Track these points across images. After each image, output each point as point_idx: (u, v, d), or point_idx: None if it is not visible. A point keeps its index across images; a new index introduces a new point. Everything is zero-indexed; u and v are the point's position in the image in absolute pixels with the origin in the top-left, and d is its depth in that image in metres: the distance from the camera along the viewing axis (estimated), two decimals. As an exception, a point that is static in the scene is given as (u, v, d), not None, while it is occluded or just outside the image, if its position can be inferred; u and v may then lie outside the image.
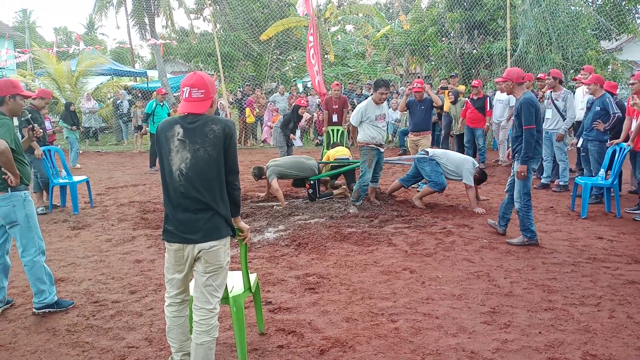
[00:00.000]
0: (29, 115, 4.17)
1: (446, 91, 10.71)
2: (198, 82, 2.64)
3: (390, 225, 5.94)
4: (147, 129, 10.82)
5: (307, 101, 12.90)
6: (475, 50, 14.62)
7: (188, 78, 2.68)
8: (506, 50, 12.23)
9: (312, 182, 7.13)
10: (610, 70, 13.37)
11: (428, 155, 6.78)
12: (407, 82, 15.96)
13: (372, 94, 6.60)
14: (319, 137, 13.44)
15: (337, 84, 9.99)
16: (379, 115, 6.51)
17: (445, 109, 10.85)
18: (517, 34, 12.95)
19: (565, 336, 3.29)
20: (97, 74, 18.41)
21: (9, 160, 3.57)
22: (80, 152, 13.33)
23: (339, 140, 9.63)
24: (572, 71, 12.74)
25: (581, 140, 7.15)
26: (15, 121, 6.02)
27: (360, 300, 3.92)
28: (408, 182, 7.13)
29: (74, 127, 11.49)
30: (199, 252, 2.63)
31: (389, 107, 13.53)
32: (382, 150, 6.66)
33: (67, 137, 11.73)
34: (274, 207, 6.85)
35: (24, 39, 26.58)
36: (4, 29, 29.25)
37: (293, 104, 9.40)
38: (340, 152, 7.80)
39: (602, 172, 6.43)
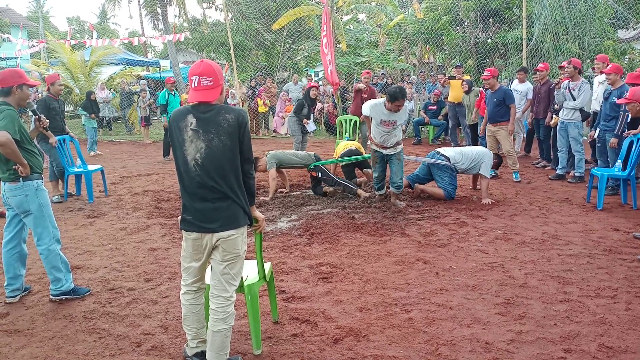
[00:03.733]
0: (35, 106, 4.19)
1: (459, 81, 10.60)
2: (206, 69, 2.62)
3: (404, 216, 5.92)
4: (167, 121, 10.86)
5: (318, 85, 12.69)
6: (490, 39, 14.44)
7: (195, 67, 2.65)
8: (521, 40, 12.05)
9: (312, 166, 6.86)
10: (627, 60, 13.15)
11: (450, 162, 6.49)
12: (421, 72, 15.83)
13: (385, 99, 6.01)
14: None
15: (368, 72, 9.82)
16: (384, 121, 5.98)
17: (458, 99, 10.77)
18: (533, 22, 12.74)
19: (581, 328, 3.27)
20: (110, 63, 18.51)
21: (13, 152, 3.60)
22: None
23: (351, 130, 9.57)
24: (588, 61, 12.53)
25: (598, 130, 7.04)
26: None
27: (374, 290, 3.92)
28: (417, 182, 6.85)
29: (93, 115, 11.71)
30: (217, 240, 2.65)
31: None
32: (385, 152, 6.15)
33: (84, 125, 11.99)
34: (262, 198, 6.77)
35: (37, 28, 26.73)
36: (18, 19, 29.48)
37: (305, 88, 9.33)
38: (350, 145, 7.79)
39: (618, 163, 6.34)
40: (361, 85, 9.42)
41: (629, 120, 6.41)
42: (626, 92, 6.46)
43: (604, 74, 7.59)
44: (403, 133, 13.11)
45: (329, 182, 6.90)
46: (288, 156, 6.99)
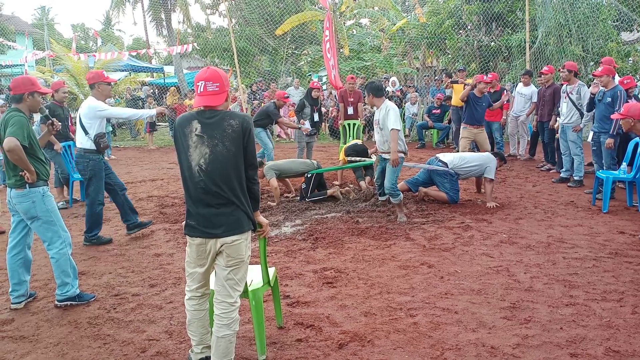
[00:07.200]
0: (47, 111, 4.23)
1: (461, 85, 10.58)
2: (212, 75, 2.65)
3: (408, 220, 5.91)
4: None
5: (320, 83, 12.63)
6: (493, 43, 14.43)
7: (202, 73, 2.69)
8: (525, 43, 12.05)
9: (309, 175, 6.88)
10: (631, 62, 13.10)
11: (448, 167, 6.48)
12: (425, 76, 15.82)
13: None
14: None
15: (352, 77, 9.91)
16: (375, 119, 5.98)
17: (460, 103, 10.75)
18: (536, 25, 12.74)
19: (587, 332, 3.25)
20: (115, 70, 18.59)
21: (21, 158, 3.62)
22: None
23: (355, 134, 9.58)
24: (592, 63, 12.51)
25: (591, 133, 7.01)
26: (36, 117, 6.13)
27: (379, 294, 3.91)
28: (417, 187, 6.80)
29: None
30: (221, 246, 2.65)
31: (408, 101, 13.44)
32: (384, 157, 5.93)
33: None
34: (268, 203, 6.81)
35: (42, 35, 26.90)
36: (23, 27, 29.68)
37: (307, 88, 9.34)
38: (355, 141, 7.80)
39: (624, 165, 6.32)
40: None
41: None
42: (618, 93, 6.44)
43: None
44: (406, 137, 13.16)
45: (300, 194, 6.98)
46: (288, 165, 7.02)
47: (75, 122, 5.78)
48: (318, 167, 7.05)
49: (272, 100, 8.44)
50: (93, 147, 5.33)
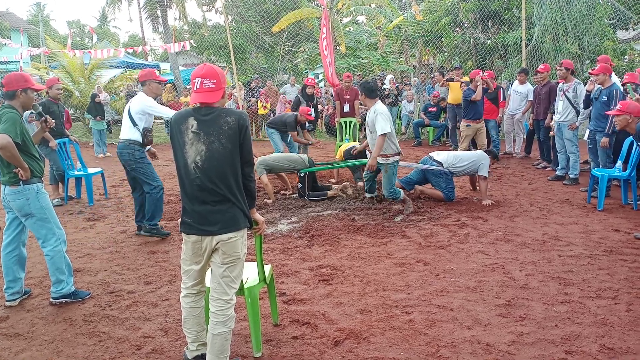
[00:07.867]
0: (40, 108, 4.21)
1: (457, 83, 10.58)
2: (209, 72, 2.64)
3: (404, 217, 5.91)
4: None
5: (315, 80, 12.61)
6: (489, 41, 14.44)
7: (198, 69, 2.69)
8: (521, 41, 12.06)
9: (302, 174, 6.86)
10: (627, 60, 13.14)
11: (443, 166, 6.48)
12: (422, 73, 15.81)
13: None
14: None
15: (348, 75, 9.89)
16: (367, 121, 5.99)
17: (457, 100, 10.76)
18: (533, 23, 12.75)
19: (582, 329, 3.26)
20: (111, 66, 18.51)
21: (14, 155, 3.60)
22: (91, 144, 13.51)
23: (351, 132, 9.59)
24: (588, 61, 12.54)
25: (588, 132, 7.02)
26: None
27: (374, 292, 3.91)
28: (411, 185, 6.81)
29: (99, 118, 11.82)
30: (217, 243, 2.65)
31: (404, 99, 13.45)
32: (378, 160, 5.92)
33: (91, 127, 12.30)
34: (264, 201, 6.82)
35: (38, 32, 26.76)
36: (18, 23, 29.51)
37: (302, 85, 9.35)
38: (351, 144, 7.80)
39: (619, 163, 6.34)
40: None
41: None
42: (614, 92, 6.46)
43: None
44: (403, 135, 13.16)
45: (299, 193, 6.96)
46: (279, 162, 6.97)
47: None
48: (310, 163, 7.03)
49: (295, 113, 8.33)
50: (139, 139, 5.38)
